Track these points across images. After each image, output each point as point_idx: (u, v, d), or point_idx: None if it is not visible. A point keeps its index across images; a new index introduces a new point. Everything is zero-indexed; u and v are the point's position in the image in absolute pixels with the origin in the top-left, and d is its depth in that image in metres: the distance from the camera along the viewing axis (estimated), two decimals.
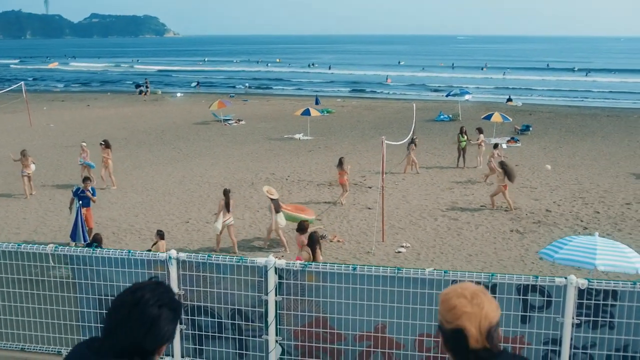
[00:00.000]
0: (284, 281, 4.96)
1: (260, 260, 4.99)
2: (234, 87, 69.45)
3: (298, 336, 5.03)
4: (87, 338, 2.52)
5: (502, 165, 19.72)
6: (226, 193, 16.06)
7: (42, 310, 5.43)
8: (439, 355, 4.77)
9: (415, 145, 24.98)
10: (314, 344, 4.99)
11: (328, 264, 4.92)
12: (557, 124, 38.75)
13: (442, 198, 21.11)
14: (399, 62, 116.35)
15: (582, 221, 18.14)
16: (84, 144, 23.20)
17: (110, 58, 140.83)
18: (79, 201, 14.86)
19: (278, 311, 4.98)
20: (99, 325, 5.31)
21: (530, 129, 34.45)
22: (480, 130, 26.32)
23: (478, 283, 4.71)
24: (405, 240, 16.66)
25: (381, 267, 4.79)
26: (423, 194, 21.71)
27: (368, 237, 16.69)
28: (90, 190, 15.42)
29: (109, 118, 42.31)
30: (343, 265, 4.82)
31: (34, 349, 5.49)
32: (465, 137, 25.95)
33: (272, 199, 16.12)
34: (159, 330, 2.39)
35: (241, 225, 17.81)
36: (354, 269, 4.77)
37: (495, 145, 23.53)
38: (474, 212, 19.27)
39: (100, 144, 23.13)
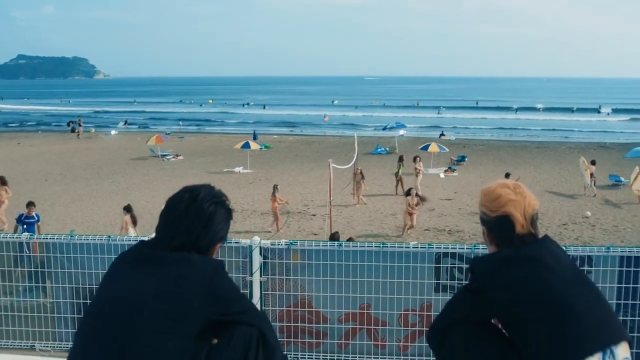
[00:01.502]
0: (269, 261, 4.98)
1: (244, 240, 5.00)
2: (165, 125, 68.54)
3: (283, 318, 5.02)
4: (135, 243, 2.53)
5: (410, 191, 20.34)
6: (130, 209, 16.07)
7: (13, 302, 5.24)
8: (424, 329, 4.84)
9: (362, 176, 24.99)
10: (299, 324, 4.99)
11: (314, 242, 4.98)
12: (490, 155, 40.03)
13: (386, 223, 21.42)
14: (333, 102, 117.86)
15: None
16: None
17: (39, 99, 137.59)
18: (22, 226, 14.45)
19: (263, 292, 4.98)
20: (75, 315, 5.17)
21: (466, 159, 35.48)
22: (420, 158, 27.08)
23: (461, 255, 4.87)
24: None
25: (366, 243, 4.87)
26: (367, 220, 21.97)
27: None
28: (35, 215, 14.99)
29: (42, 155, 41.27)
30: (329, 242, 4.88)
31: (4, 345, 5.27)
32: (402, 164, 26.71)
33: None
34: (215, 227, 2.45)
35: None
36: (340, 245, 4.83)
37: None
38: (419, 236, 19.60)
39: None
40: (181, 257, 2.37)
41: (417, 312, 4.85)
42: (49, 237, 5.15)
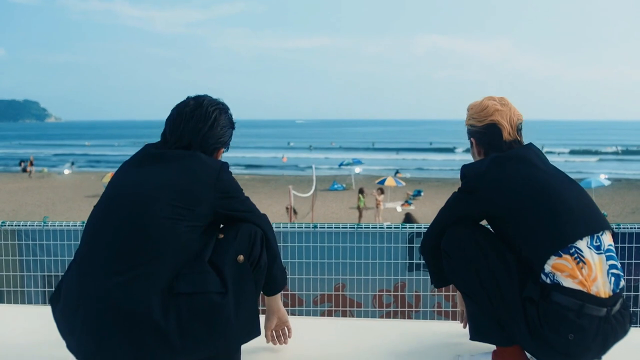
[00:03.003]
0: None
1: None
2: (116, 168, 67.50)
3: (260, 303, 5.03)
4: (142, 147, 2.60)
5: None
6: None
7: None
8: (399, 309, 4.92)
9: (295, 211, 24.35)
10: None
11: (289, 225, 5.04)
12: (446, 190, 40.52)
13: None
14: (289, 143, 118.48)
15: None
16: None
17: None
18: None
19: None
20: (46, 305, 5.09)
21: (422, 193, 35.97)
22: (382, 191, 27.43)
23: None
24: None
25: (341, 224, 4.95)
26: None
27: None
28: None
29: None
30: (304, 224, 4.95)
31: None
32: (363, 197, 26.93)
33: None
34: (219, 129, 2.56)
35: None
36: (315, 227, 4.91)
37: None
38: None
39: None
40: (189, 154, 2.46)
41: (392, 293, 4.93)
42: (21, 225, 5.10)
